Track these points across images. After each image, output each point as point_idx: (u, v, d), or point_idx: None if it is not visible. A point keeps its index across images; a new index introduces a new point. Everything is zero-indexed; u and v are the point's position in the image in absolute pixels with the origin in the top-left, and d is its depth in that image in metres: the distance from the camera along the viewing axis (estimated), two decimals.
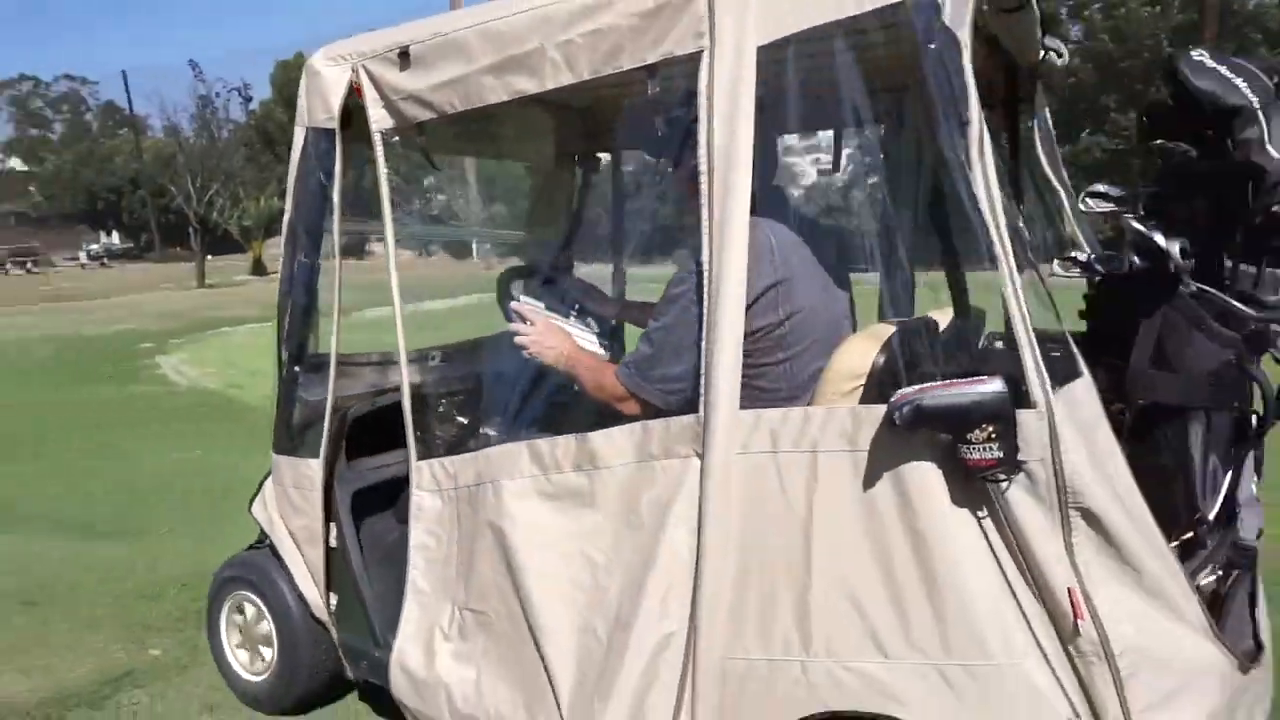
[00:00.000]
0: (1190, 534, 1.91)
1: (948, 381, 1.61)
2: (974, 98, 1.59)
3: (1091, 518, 1.59)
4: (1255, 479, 2.02)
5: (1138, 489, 1.66)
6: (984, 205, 1.58)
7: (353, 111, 2.37)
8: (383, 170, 2.33)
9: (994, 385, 1.56)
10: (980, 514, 1.64)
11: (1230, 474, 1.96)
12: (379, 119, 2.31)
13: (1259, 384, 1.91)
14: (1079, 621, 1.56)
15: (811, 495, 1.76)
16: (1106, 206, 1.99)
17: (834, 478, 1.74)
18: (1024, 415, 1.56)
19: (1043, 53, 2.28)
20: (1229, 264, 2.01)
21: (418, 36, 2.22)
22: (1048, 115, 2.51)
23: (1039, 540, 1.59)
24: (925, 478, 1.66)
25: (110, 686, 3.15)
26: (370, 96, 2.32)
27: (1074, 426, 1.59)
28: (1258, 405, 1.98)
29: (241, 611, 2.97)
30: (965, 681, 1.63)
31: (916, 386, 1.61)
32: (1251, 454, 2.01)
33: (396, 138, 2.37)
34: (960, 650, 1.63)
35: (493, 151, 3.34)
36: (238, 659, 3.02)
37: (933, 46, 1.61)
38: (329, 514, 2.66)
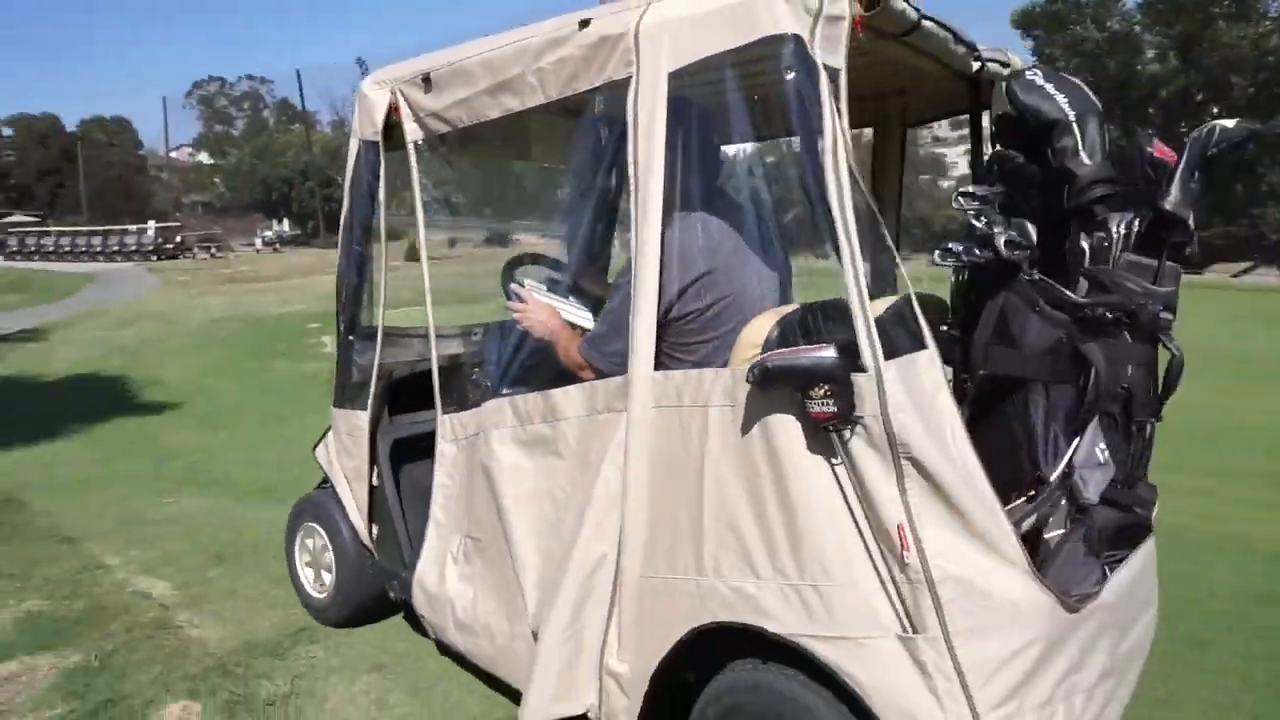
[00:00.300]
0: (1033, 492, 2.14)
1: (793, 348, 1.89)
2: (828, 115, 1.85)
3: (921, 468, 1.82)
4: (1101, 445, 2.21)
5: (972, 448, 1.87)
6: (834, 204, 1.83)
7: (393, 127, 2.87)
8: (415, 173, 2.81)
9: (828, 351, 1.82)
10: (832, 461, 1.89)
11: (1074, 441, 2.17)
12: (412, 132, 2.81)
13: (1093, 362, 2.12)
14: (905, 553, 1.82)
15: (704, 443, 2.07)
16: (973, 205, 2.18)
17: (720, 428, 2.05)
18: (858, 377, 1.82)
19: (977, 64, 2.47)
20: (1132, 256, 2.33)
21: (436, 65, 2.69)
22: None
23: (876, 484, 1.84)
24: (787, 429, 1.93)
25: (290, 639, 3.41)
26: (405, 113, 2.81)
27: (906, 389, 1.82)
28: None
29: (310, 540, 3.57)
30: (815, 600, 1.91)
31: (770, 351, 1.90)
32: (1095, 422, 2.20)
33: (427, 148, 2.85)
34: (812, 574, 1.91)
35: (534, 157, 3.70)
36: (306, 579, 3.64)
37: (792, 75, 1.89)
38: (373, 458, 3.22)
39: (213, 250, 42.53)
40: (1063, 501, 2.17)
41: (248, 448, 7.25)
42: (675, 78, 2.12)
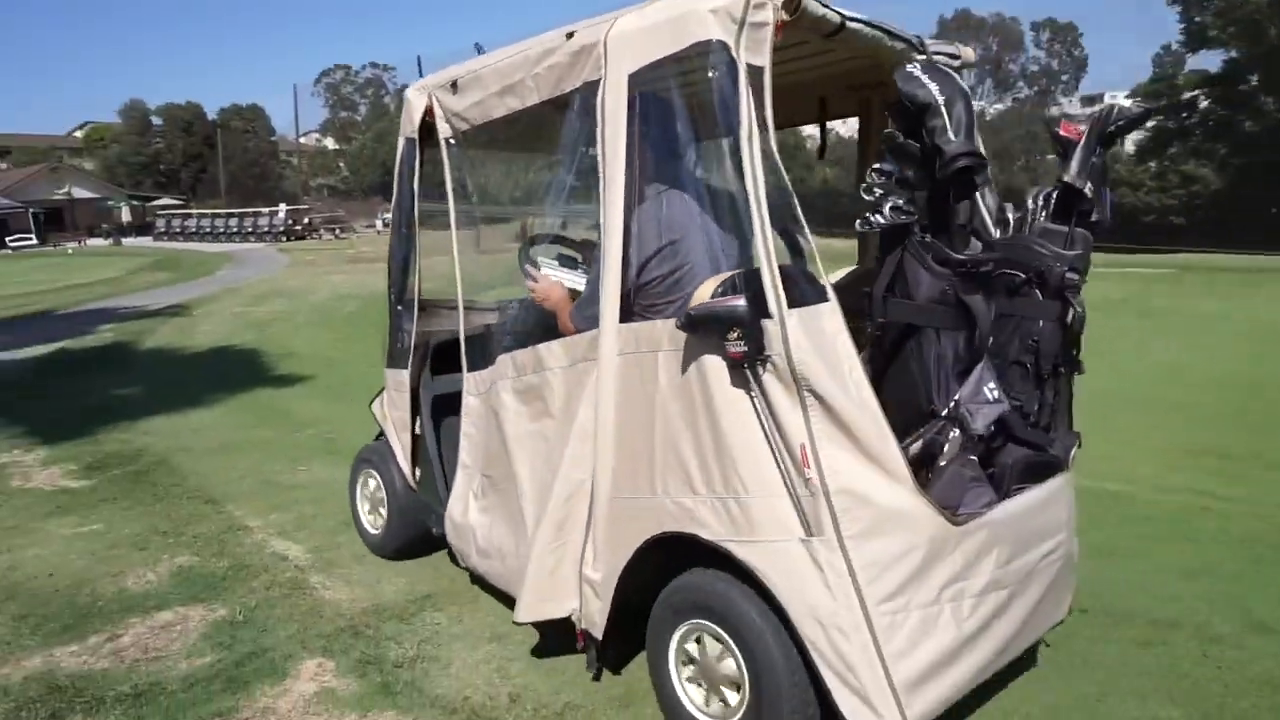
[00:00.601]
0: (940, 424, 2.49)
1: (713, 300, 2.28)
2: (744, 106, 2.19)
3: (821, 399, 2.16)
4: (991, 385, 2.53)
5: (869, 384, 2.20)
6: (749, 180, 2.18)
7: (430, 126, 3.36)
8: (446, 164, 3.29)
9: (738, 301, 2.19)
10: (750, 393, 2.25)
11: (967, 380, 2.52)
12: (443, 130, 3.29)
13: (974, 311, 2.47)
14: (806, 470, 2.16)
15: (655, 382, 2.48)
16: (880, 179, 2.45)
17: (666, 369, 2.45)
18: (766, 323, 2.17)
19: (921, 59, 2.73)
20: (1048, 224, 2.78)
21: (460, 73, 3.17)
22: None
23: (784, 412, 2.18)
24: (715, 368, 2.30)
25: (415, 605, 3.55)
26: (437, 114, 3.31)
27: (808, 334, 2.16)
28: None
29: (368, 483, 4.15)
30: (736, 510, 2.30)
31: (696, 303, 2.30)
32: (984, 363, 2.53)
33: (454, 142, 3.31)
34: (734, 488, 2.30)
35: (537, 149, 3.97)
36: (364, 516, 4.21)
37: (715, 73, 2.27)
38: (415, 411, 3.74)
39: (337, 231, 44.61)
40: (955, 432, 2.49)
41: (370, 420, 7.55)
42: (634, 77, 2.52)
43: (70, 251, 41.94)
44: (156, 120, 67.38)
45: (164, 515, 4.77)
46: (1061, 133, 2.79)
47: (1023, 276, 2.71)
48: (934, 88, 2.44)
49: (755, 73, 2.21)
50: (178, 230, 48.24)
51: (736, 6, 2.23)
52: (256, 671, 3.05)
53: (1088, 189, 2.74)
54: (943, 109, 2.42)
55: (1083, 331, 2.74)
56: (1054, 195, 2.82)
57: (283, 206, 46.24)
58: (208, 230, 46.51)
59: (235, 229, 45.11)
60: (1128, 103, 2.88)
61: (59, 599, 3.71)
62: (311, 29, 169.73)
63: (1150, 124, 33.57)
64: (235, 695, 2.91)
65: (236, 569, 3.97)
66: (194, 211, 51.40)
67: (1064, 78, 59.30)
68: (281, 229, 42.98)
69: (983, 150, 2.50)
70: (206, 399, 8.19)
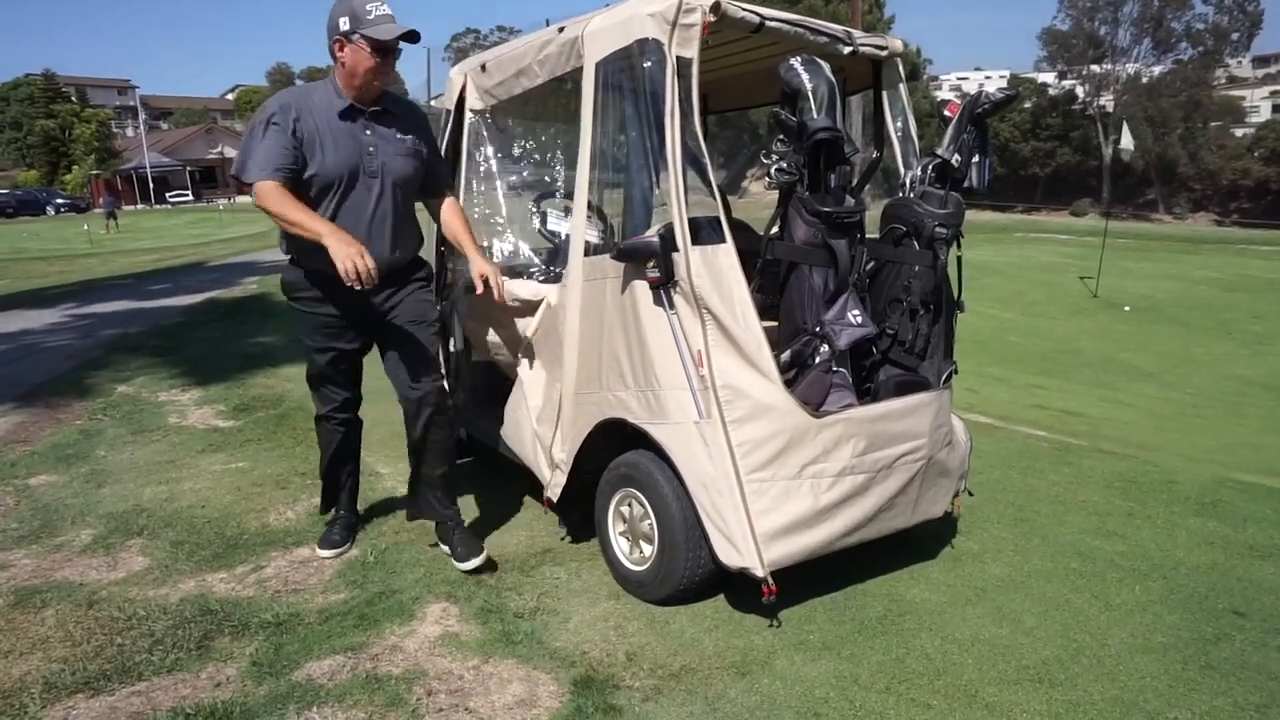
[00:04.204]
0: (805, 339, 3.12)
1: (635, 237, 3.02)
2: (669, 89, 2.83)
3: (714, 316, 2.83)
4: (856, 311, 3.12)
5: (752, 307, 2.83)
6: (669, 148, 2.84)
7: (463, 101, 4.10)
8: (468, 132, 4.10)
9: (653, 238, 2.90)
10: (666, 310, 2.93)
11: (834, 305, 3.13)
12: (473, 103, 4.08)
13: (835, 251, 3.09)
14: (701, 369, 2.83)
15: (604, 301, 3.18)
16: (782, 148, 3.03)
17: (612, 291, 3.13)
18: (675, 255, 2.85)
19: (849, 50, 3.40)
20: (928, 189, 3.37)
21: (489, 58, 3.94)
22: (902, 91, 3.71)
23: (688, 325, 2.87)
24: (642, 289, 2.99)
25: (536, 559, 3.61)
26: (469, 91, 4.08)
27: (707, 265, 2.82)
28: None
29: None
30: (653, 400, 2.99)
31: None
32: (849, 294, 3.14)
33: (481, 114, 4.13)
34: (652, 383, 2.99)
35: (542, 119, 4.56)
36: None
37: (649, 64, 2.91)
38: None
39: None
40: (824, 347, 3.10)
41: None
42: (600, 64, 3.18)
43: (222, 208, 44.79)
44: (299, 82, 70.71)
45: (302, 458, 5.02)
46: (946, 112, 3.35)
47: (903, 229, 3.34)
48: (805, 77, 2.95)
49: (684, 63, 2.83)
50: None
51: (670, 11, 2.83)
52: (386, 611, 3.17)
53: (955, 160, 3.30)
54: (811, 94, 2.93)
55: (944, 274, 3.34)
56: (930, 165, 3.38)
57: None
58: None
59: None
60: (993, 89, 3.46)
61: (210, 529, 3.97)
62: None
63: None
64: (366, 632, 3.03)
65: (368, 512, 4.13)
66: None
67: (1234, 36, 54.13)
68: None
69: (839, 126, 3.00)
70: None
